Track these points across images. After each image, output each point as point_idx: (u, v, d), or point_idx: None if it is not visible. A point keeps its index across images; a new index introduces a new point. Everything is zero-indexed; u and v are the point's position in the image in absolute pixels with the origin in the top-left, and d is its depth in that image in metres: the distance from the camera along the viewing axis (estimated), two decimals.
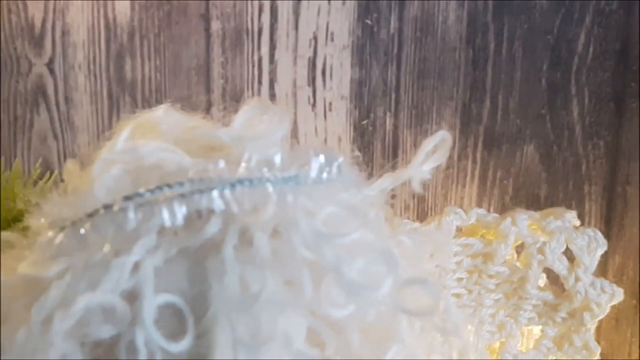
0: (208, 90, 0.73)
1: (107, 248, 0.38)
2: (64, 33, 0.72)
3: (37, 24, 0.71)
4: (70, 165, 0.43)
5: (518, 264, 0.54)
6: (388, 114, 0.74)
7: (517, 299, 0.54)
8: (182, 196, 0.39)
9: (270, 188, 0.39)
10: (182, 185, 0.38)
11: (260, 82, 0.73)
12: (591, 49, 0.74)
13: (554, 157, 0.75)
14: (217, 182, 0.39)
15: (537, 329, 0.56)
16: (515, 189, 0.76)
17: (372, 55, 0.73)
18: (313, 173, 0.41)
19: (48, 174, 0.60)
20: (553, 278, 0.55)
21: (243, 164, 0.39)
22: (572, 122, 0.75)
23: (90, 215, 0.38)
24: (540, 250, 0.52)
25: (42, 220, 0.40)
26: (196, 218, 0.39)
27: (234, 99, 0.72)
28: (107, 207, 0.38)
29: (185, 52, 0.72)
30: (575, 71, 0.74)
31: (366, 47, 0.73)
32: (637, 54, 0.73)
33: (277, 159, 0.40)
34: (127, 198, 0.38)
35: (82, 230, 0.38)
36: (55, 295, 0.37)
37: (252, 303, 0.38)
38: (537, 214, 0.54)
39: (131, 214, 0.38)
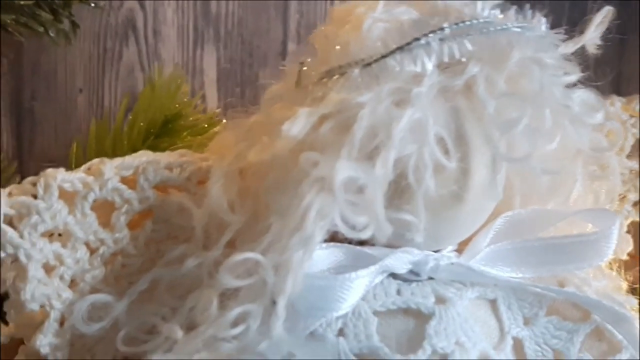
0: (285, 24, 0.81)
1: (398, 83, 0.46)
2: None
3: None
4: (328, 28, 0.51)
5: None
6: None
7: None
8: (447, 39, 0.48)
9: (516, 35, 0.49)
10: (457, 26, 0.47)
11: None
12: None
13: None
14: (474, 28, 0.48)
15: None
16: None
17: None
18: (537, 28, 0.51)
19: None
20: None
21: (492, 14, 0.49)
22: None
23: (385, 56, 0.47)
24: (634, 125, 0.65)
25: (324, 68, 0.48)
26: (455, 61, 0.48)
27: (308, 32, 0.80)
28: (414, 42, 0.46)
29: None
30: None
31: None
32: None
33: (512, 12, 0.50)
34: (425, 35, 0.46)
35: (379, 67, 0.47)
36: (367, 122, 0.45)
37: (511, 127, 0.47)
38: (624, 99, 0.66)
39: (421, 52, 0.47)
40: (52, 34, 0.67)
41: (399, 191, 0.47)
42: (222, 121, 0.66)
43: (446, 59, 0.47)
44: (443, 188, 0.47)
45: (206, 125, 0.65)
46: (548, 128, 0.49)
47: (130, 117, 0.64)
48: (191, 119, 0.65)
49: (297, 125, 0.45)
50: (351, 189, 0.43)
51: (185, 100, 0.65)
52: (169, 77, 0.64)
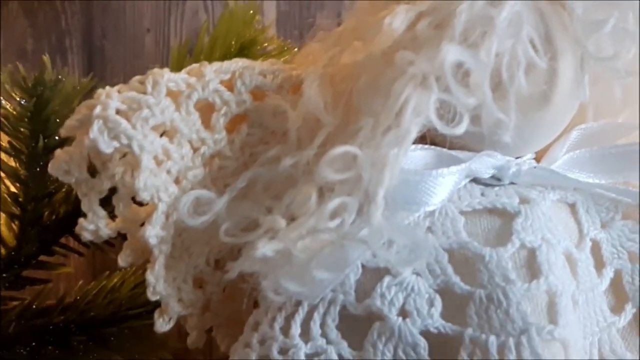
0: None
1: None
2: None
3: None
4: None
5: None
6: None
7: None
8: None
9: None
10: None
11: None
12: None
13: None
14: None
15: None
16: None
17: None
18: None
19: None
20: None
21: None
22: None
23: None
24: None
25: None
26: None
27: None
28: None
29: None
30: None
31: None
32: None
33: None
34: None
35: None
36: (466, 17, 0.47)
37: (599, 28, 0.49)
38: None
39: None
40: None
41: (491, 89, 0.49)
42: (294, 49, 0.68)
43: None
44: (533, 87, 0.49)
45: (279, 53, 0.67)
46: (632, 32, 0.50)
47: (208, 42, 0.65)
48: (265, 44, 0.67)
49: (398, 18, 0.47)
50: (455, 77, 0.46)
51: (260, 28, 0.67)
52: (245, 5, 0.66)
